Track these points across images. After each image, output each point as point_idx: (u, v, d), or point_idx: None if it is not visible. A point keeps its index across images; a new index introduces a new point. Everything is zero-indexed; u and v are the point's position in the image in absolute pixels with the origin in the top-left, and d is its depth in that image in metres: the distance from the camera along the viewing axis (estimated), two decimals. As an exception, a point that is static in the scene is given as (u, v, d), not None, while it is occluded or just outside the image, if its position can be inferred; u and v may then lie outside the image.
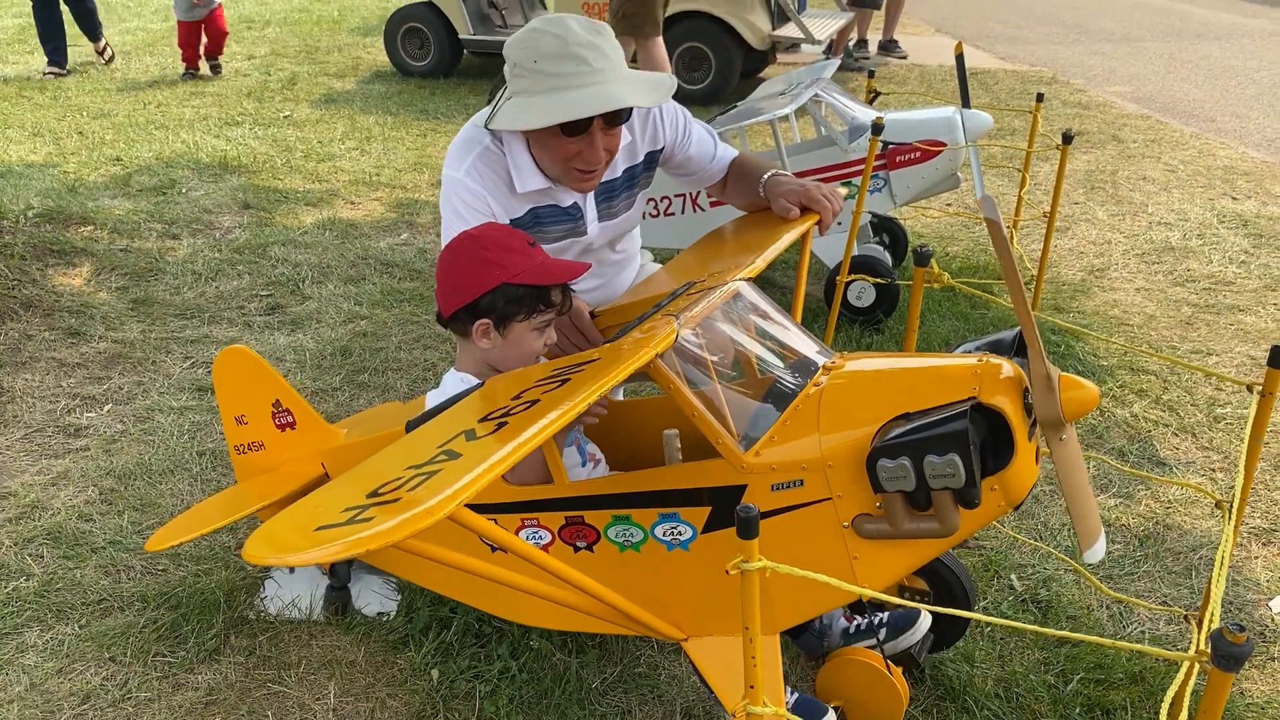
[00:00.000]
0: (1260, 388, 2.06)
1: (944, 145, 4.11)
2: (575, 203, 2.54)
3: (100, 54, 8.91)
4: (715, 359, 2.09)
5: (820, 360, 2.04)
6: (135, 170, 6.11)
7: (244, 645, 2.58)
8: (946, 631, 2.46)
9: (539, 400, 1.71)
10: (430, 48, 8.76)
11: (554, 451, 2.07)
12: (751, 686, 1.58)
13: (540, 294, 2.16)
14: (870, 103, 4.94)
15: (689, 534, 2.02)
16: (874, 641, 2.29)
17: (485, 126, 2.38)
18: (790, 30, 7.99)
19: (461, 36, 8.56)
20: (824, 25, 8.37)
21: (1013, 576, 2.83)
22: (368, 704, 2.41)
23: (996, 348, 1.95)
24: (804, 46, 8.59)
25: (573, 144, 2.33)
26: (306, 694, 2.44)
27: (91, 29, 8.74)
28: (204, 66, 8.75)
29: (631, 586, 2.03)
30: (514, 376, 1.98)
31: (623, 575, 2.08)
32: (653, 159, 2.68)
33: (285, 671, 2.50)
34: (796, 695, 2.15)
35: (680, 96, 8.21)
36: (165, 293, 4.54)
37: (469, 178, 2.41)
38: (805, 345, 2.11)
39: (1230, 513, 1.86)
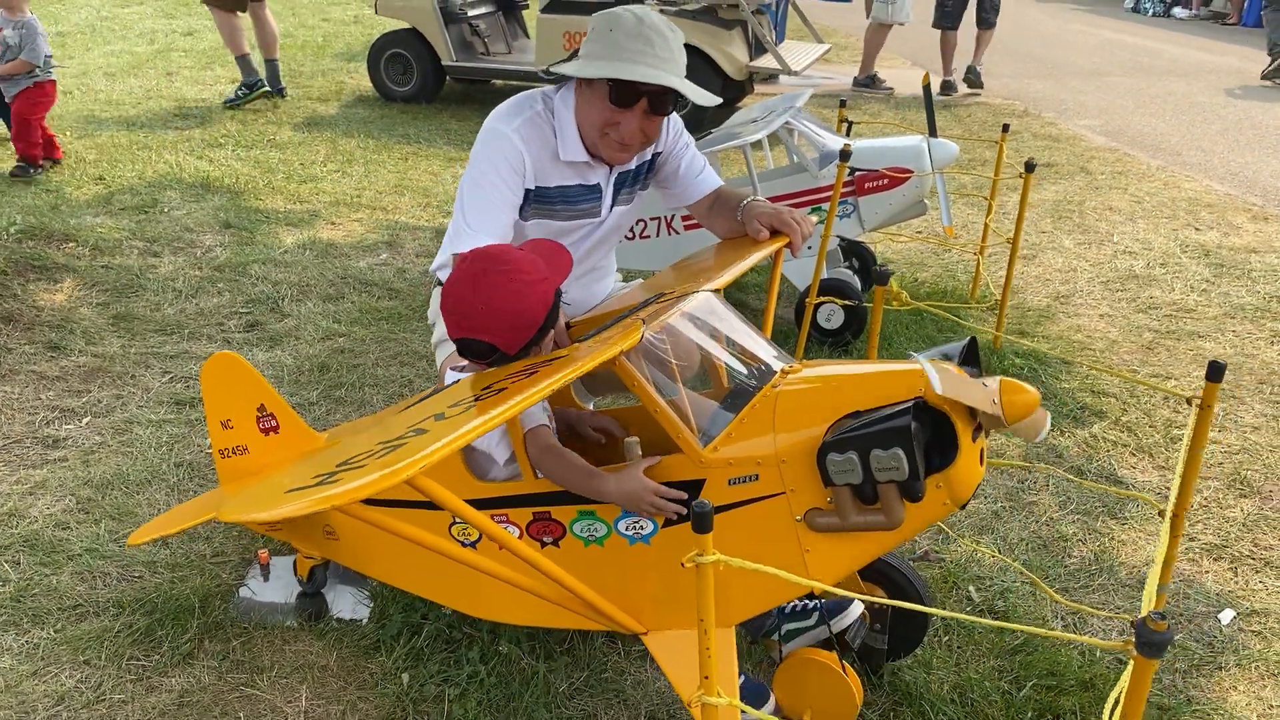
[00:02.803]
0: (1199, 401, 2.16)
1: (911, 173, 4.22)
2: (598, 182, 2.72)
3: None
4: (681, 364, 2.17)
5: (779, 365, 2.13)
6: (118, 189, 6.16)
7: (218, 650, 2.62)
8: (904, 639, 2.53)
9: (506, 388, 1.80)
10: (413, 74, 8.86)
11: (522, 450, 2.14)
12: (706, 677, 1.65)
13: (558, 290, 2.20)
14: (847, 132, 5.06)
15: (650, 528, 2.10)
16: (811, 622, 2.36)
17: (549, 70, 2.58)
18: (767, 61, 8.14)
19: (444, 63, 8.67)
20: (801, 56, 8.52)
21: (971, 588, 2.91)
22: (338, 707, 2.46)
23: (946, 356, 2.05)
24: (781, 77, 8.78)
25: (616, 113, 2.51)
26: (278, 697, 2.49)
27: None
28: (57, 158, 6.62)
29: (595, 581, 2.10)
30: (488, 372, 2.06)
31: (587, 570, 2.15)
32: (655, 160, 2.86)
33: (258, 675, 2.55)
34: (743, 678, 2.24)
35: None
36: (146, 309, 4.59)
37: (516, 135, 2.59)
38: (766, 352, 2.20)
39: (1166, 518, 1.94)
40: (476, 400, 1.79)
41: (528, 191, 2.62)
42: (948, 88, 10.01)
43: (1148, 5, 17.19)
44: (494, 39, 9.10)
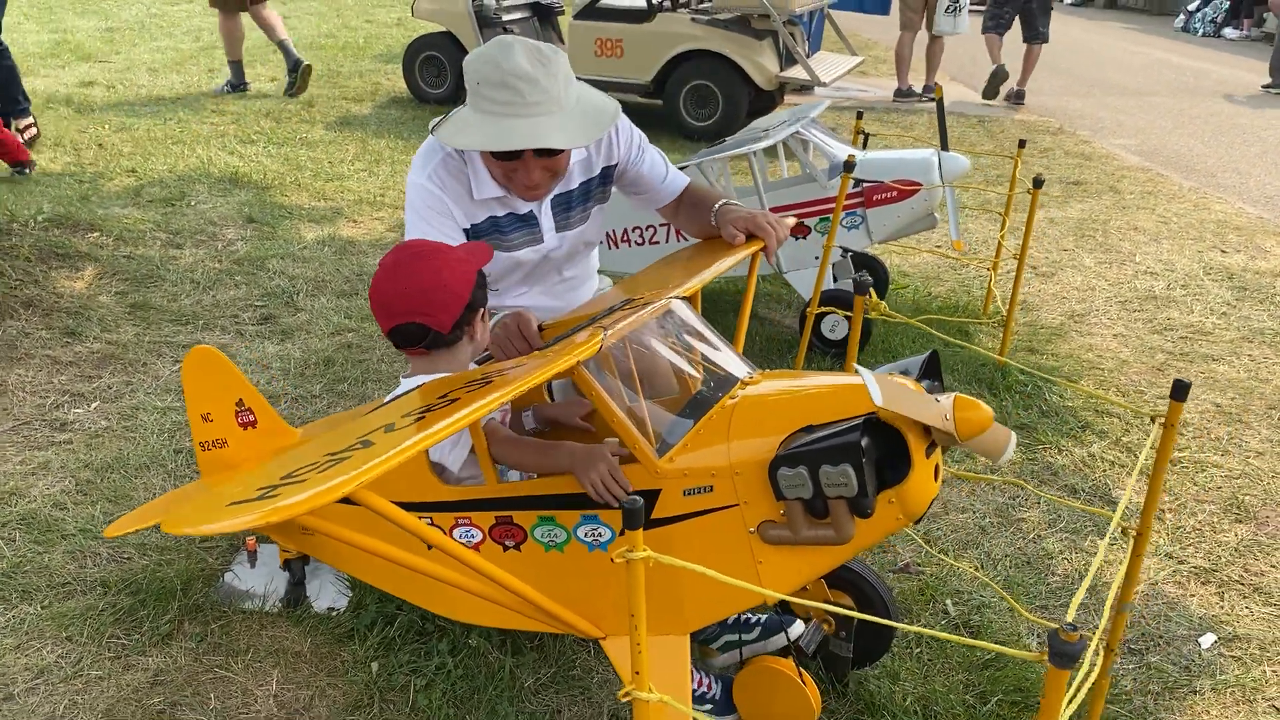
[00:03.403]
0: (1163, 419, 2.14)
1: (919, 185, 4.21)
2: (530, 210, 2.66)
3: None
4: (643, 372, 2.19)
5: (739, 375, 2.14)
6: (148, 182, 6.30)
7: (196, 632, 2.68)
8: (870, 649, 2.53)
9: (459, 399, 1.83)
10: (447, 76, 8.97)
11: (486, 454, 2.17)
12: (638, 673, 1.66)
13: (482, 273, 2.30)
14: (863, 145, 5.05)
15: (608, 535, 2.12)
16: (753, 636, 2.38)
17: (430, 130, 2.52)
18: (797, 72, 8.14)
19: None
20: (832, 68, 8.51)
21: (948, 601, 2.90)
22: (308, 692, 2.51)
23: (906, 371, 2.05)
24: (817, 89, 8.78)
25: (507, 165, 2.47)
26: (250, 680, 2.54)
27: (8, 99, 6.74)
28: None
29: (556, 586, 2.13)
30: (446, 379, 2.09)
31: (548, 574, 2.17)
32: (608, 174, 2.81)
33: (233, 658, 2.60)
34: (721, 684, 2.25)
35: (686, 133, 8.31)
36: (163, 299, 4.69)
37: (430, 182, 2.55)
38: (729, 361, 2.21)
39: (1107, 534, 1.93)
40: (428, 411, 1.81)
41: (465, 231, 2.58)
42: (997, 75, 10.26)
43: (1198, 25, 16.95)
44: (528, 43, 9.16)
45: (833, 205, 4.30)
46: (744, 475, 1.97)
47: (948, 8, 9.64)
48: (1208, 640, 2.83)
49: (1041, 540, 3.22)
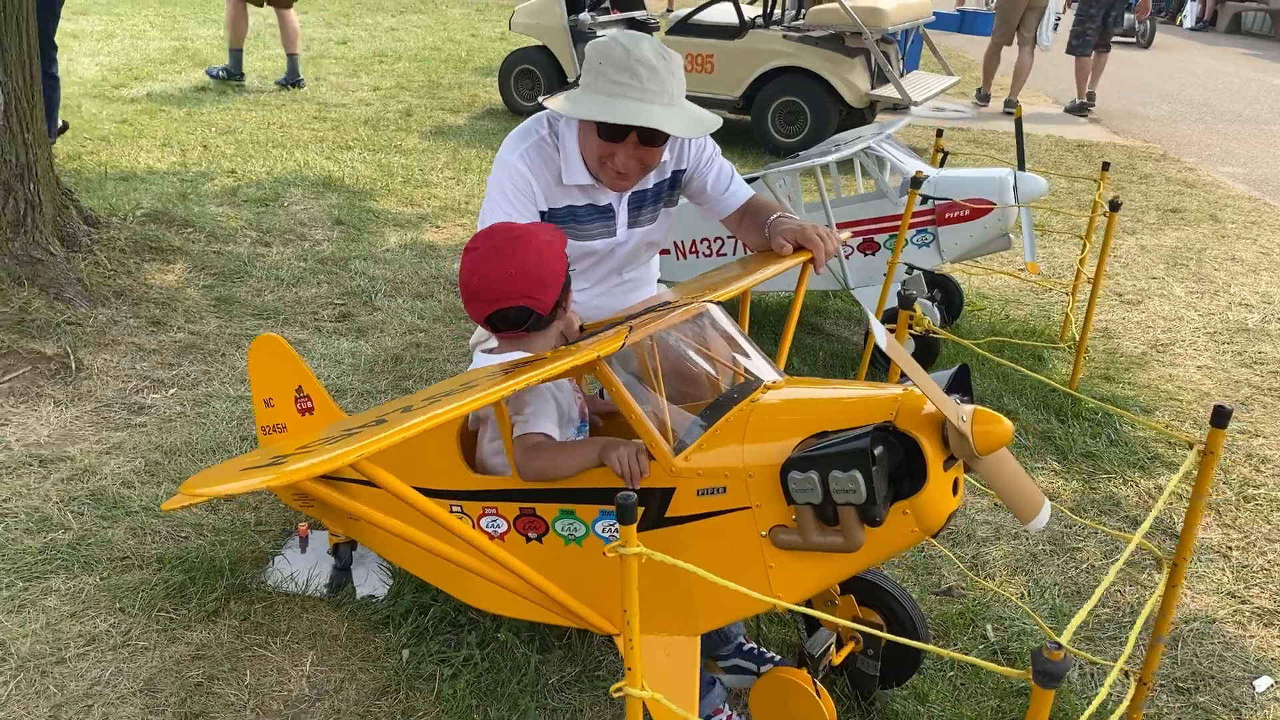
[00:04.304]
0: (1202, 446, 2.07)
1: (992, 205, 4.14)
2: (610, 204, 2.74)
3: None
4: (669, 372, 2.20)
5: (763, 380, 2.14)
6: (245, 183, 6.54)
7: (240, 610, 2.77)
8: (899, 668, 2.49)
9: (477, 384, 1.87)
10: (541, 89, 9.12)
11: (510, 445, 2.21)
12: (630, 669, 1.67)
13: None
14: (941, 163, 4.98)
15: (625, 532, 2.13)
16: (759, 672, 2.37)
17: (541, 101, 2.63)
18: (888, 91, 8.06)
19: (570, 80, 8.89)
20: (925, 88, 8.41)
21: (989, 627, 2.83)
22: (339, 675, 2.58)
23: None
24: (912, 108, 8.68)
25: (607, 146, 2.53)
26: (286, 660, 2.62)
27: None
28: None
29: (574, 579, 2.15)
30: (471, 371, 2.14)
31: (567, 568, 2.20)
32: (677, 178, 2.87)
33: (272, 638, 2.69)
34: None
35: (773, 149, 8.30)
36: (247, 294, 4.87)
37: (521, 161, 2.64)
38: (757, 366, 2.21)
39: (1161, 567, 1.87)
40: (446, 395, 1.86)
41: (541, 214, 2.65)
42: (1083, 110, 10.75)
43: (1325, 52, 16.26)
44: (622, 58, 9.27)
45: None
46: (757, 478, 1.96)
47: (1054, 24, 9.80)
48: (1263, 683, 2.71)
49: (1096, 570, 3.12)
